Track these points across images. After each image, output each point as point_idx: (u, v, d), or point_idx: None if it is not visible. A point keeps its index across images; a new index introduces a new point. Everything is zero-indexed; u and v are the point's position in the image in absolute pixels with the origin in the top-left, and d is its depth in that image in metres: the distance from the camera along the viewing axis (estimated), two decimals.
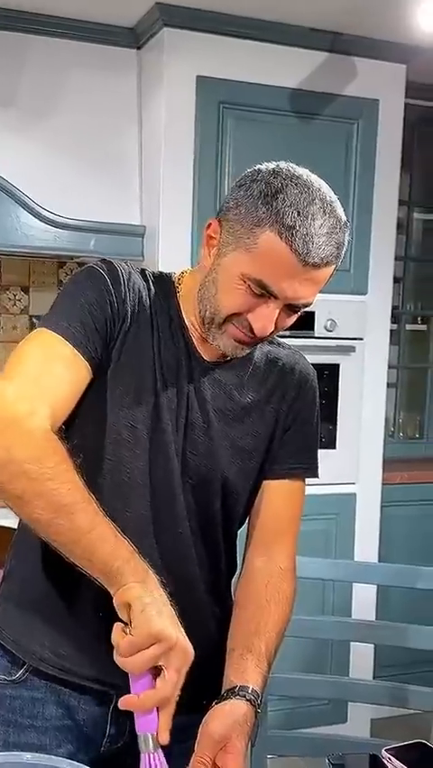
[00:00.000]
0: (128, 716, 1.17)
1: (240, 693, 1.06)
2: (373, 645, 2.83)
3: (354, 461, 2.91)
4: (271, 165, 1.14)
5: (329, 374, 2.80)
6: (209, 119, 2.62)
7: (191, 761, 0.97)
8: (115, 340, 1.16)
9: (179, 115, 2.61)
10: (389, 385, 3.04)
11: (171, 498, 1.19)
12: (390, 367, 3.05)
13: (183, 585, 1.17)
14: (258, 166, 1.16)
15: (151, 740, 0.95)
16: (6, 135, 2.69)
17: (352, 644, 2.83)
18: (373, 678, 2.86)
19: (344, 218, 1.13)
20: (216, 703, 1.04)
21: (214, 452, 1.22)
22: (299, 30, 2.68)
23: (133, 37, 2.78)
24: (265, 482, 1.29)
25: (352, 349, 2.85)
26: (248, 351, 1.22)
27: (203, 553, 1.23)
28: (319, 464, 1.34)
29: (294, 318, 1.19)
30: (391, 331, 3.04)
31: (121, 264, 1.21)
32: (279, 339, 1.34)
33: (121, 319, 1.16)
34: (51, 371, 1.10)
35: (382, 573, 1.88)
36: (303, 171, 1.13)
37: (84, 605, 1.17)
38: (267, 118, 2.69)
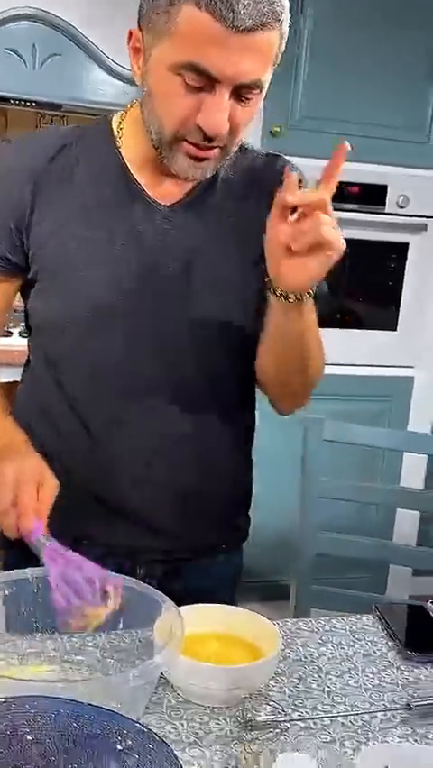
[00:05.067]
0: (156, 562, 1.22)
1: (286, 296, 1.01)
2: (418, 515, 2.84)
3: (415, 345, 2.86)
4: None
5: (397, 253, 2.72)
6: None
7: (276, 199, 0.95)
8: (29, 226, 1.13)
9: None
10: None
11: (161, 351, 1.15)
12: None
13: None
14: None
15: (42, 538, 0.99)
16: None
17: (397, 516, 2.87)
18: None
19: None
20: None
21: (190, 296, 1.12)
22: None
23: None
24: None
25: (423, 227, 2.73)
26: (209, 171, 1.07)
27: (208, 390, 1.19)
28: None
29: (252, 110, 1.02)
30: None
31: (20, 140, 1.18)
32: (250, 146, 1.19)
33: (31, 199, 1.12)
34: None
35: None
36: None
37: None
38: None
